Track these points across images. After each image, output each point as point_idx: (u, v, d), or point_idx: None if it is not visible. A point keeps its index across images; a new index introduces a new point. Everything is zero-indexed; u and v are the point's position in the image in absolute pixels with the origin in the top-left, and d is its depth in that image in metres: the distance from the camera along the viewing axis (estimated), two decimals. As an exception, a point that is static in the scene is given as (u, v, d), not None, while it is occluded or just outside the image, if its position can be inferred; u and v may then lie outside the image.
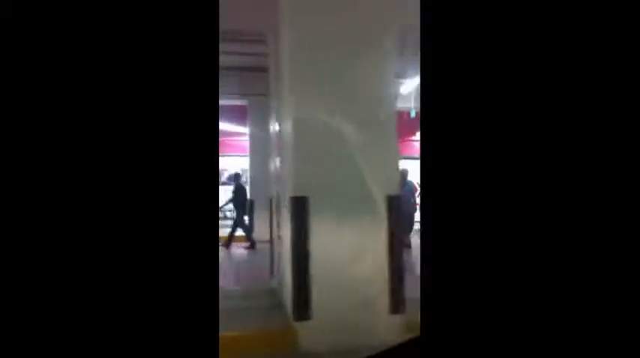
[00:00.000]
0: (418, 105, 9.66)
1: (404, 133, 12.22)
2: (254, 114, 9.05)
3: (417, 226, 9.03)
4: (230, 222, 8.68)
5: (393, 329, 2.85)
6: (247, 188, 8.74)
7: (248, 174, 9.72)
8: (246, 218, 8.18)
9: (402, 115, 10.29)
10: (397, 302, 3.04)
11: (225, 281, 4.98)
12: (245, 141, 10.55)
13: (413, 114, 9.70)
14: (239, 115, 10.90)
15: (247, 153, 9.76)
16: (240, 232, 8.20)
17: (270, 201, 4.82)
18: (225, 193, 8.78)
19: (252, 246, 7.89)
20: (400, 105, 9.98)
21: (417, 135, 12.80)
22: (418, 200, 10.38)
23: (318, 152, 3.03)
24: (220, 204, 7.65)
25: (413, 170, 11.93)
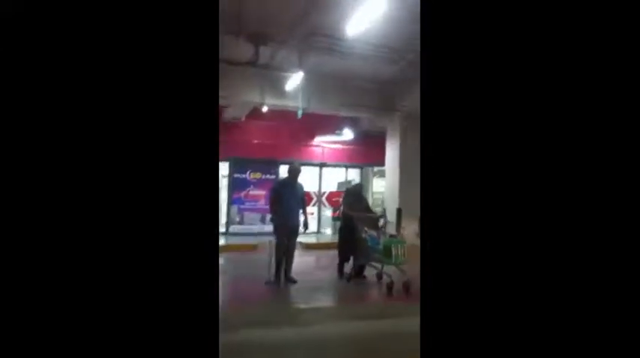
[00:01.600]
0: (306, 103, 7.94)
1: (299, 136, 10.24)
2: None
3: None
4: None
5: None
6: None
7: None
8: None
9: (290, 116, 8.61)
10: None
11: None
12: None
13: (299, 114, 8.01)
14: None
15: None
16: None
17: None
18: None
19: None
20: (286, 103, 8.33)
21: (316, 140, 10.56)
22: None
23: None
24: None
25: (311, 178, 10.07)
